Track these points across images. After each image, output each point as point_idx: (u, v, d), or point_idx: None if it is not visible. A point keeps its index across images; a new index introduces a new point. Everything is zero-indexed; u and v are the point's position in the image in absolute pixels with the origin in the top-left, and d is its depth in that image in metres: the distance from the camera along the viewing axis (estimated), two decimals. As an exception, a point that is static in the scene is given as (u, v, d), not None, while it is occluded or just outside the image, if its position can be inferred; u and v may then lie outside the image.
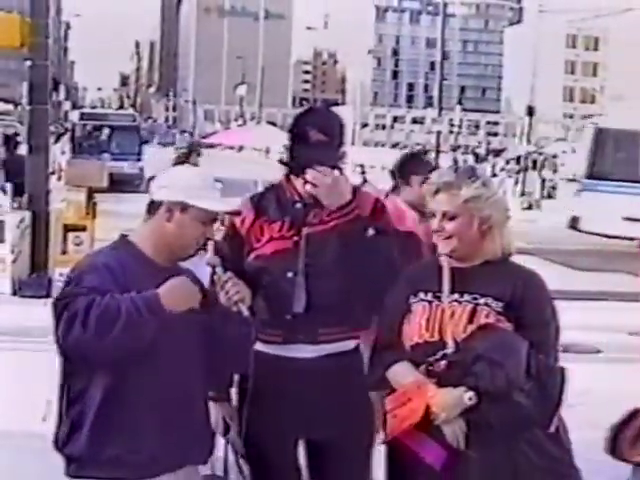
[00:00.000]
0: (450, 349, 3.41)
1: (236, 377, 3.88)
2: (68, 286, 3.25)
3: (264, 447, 3.80)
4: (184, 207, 3.31)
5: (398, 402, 3.45)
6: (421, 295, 3.56)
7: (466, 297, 3.48)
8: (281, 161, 3.95)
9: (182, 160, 12.86)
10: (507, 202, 3.74)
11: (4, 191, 13.35)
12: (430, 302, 3.53)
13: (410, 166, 5.66)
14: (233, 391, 3.91)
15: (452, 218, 3.52)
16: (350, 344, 3.85)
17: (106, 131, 33.26)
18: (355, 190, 3.88)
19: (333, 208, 3.76)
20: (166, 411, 3.30)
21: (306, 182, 3.76)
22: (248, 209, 3.90)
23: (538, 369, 3.30)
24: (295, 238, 3.79)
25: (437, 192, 3.55)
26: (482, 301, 3.45)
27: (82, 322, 3.11)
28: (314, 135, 3.77)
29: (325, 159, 3.74)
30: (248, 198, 4.01)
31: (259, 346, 3.75)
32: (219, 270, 3.48)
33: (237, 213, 3.73)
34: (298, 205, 3.83)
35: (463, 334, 3.41)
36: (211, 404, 3.79)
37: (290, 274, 3.74)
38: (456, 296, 3.50)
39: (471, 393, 3.31)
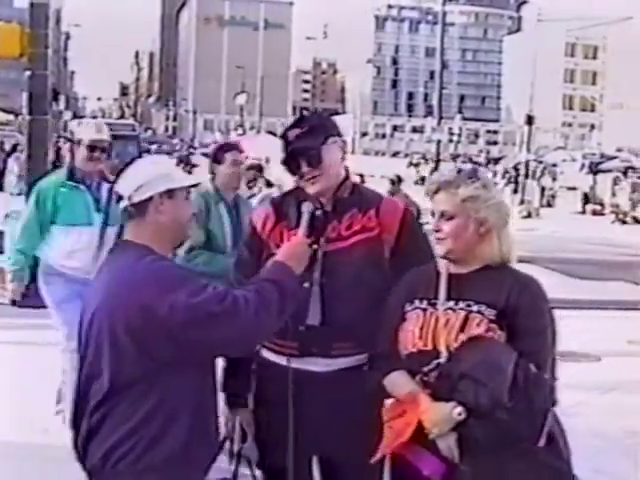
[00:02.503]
0: (443, 359, 3.38)
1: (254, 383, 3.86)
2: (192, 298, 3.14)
3: (277, 457, 3.76)
4: (170, 194, 3.34)
5: (394, 413, 3.43)
6: (416, 302, 3.54)
7: (461, 304, 3.44)
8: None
9: None
10: (507, 206, 3.70)
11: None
12: (424, 310, 3.50)
13: None
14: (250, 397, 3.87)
15: (450, 218, 3.50)
16: (364, 358, 3.75)
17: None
18: (379, 204, 3.85)
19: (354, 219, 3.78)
20: (216, 399, 3.45)
21: (301, 179, 3.76)
22: (270, 212, 3.89)
23: (527, 382, 3.25)
24: (314, 246, 3.71)
25: (437, 191, 3.55)
26: (475, 308, 3.41)
27: (281, 305, 3.26)
28: (292, 133, 3.78)
29: (306, 148, 3.73)
30: (270, 201, 4.00)
31: (273, 357, 3.74)
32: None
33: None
34: (317, 212, 3.78)
35: (455, 343, 3.37)
36: (228, 410, 3.79)
37: (307, 284, 3.69)
38: (451, 304, 3.47)
39: (460, 408, 3.28)
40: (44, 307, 12.12)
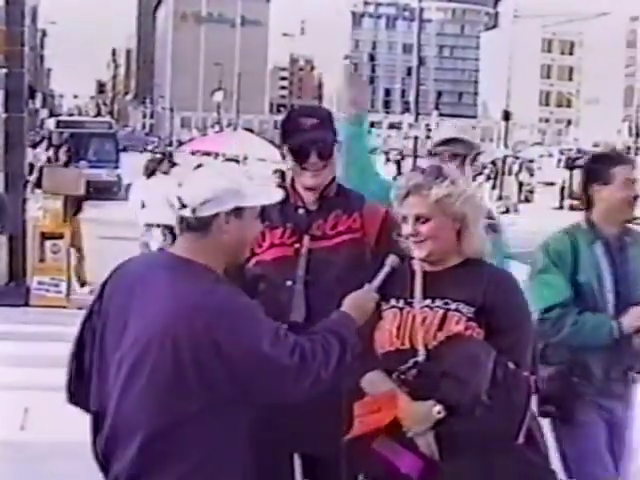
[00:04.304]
0: (421, 357, 3.36)
1: None
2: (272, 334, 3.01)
3: (260, 456, 3.75)
4: (238, 212, 3.08)
5: (367, 409, 3.41)
6: (392, 301, 3.50)
7: (438, 302, 3.41)
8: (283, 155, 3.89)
9: (153, 168, 12.84)
10: (480, 198, 3.70)
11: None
12: (401, 309, 3.47)
13: None
14: None
15: (426, 220, 3.46)
16: None
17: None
18: (362, 207, 3.88)
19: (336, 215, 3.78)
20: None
21: (303, 169, 3.77)
22: None
23: (505, 379, 3.24)
24: (296, 245, 3.76)
25: (407, 195, 3.48)
26: (453, 306, 3.39)
27: (339, 358, 3.11)
28: (307, 121, 3.79)
29: (322, 139, 3.76)
30: None
31: None
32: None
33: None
34: (301, 211, 3.82)
35: (434, 341, 3.35)
36: None
37: (289, 282, 3.71)
38: (428, 302, 3.43)
39: (440, 407, 3.26)
40: (22, 305, 12.12)
